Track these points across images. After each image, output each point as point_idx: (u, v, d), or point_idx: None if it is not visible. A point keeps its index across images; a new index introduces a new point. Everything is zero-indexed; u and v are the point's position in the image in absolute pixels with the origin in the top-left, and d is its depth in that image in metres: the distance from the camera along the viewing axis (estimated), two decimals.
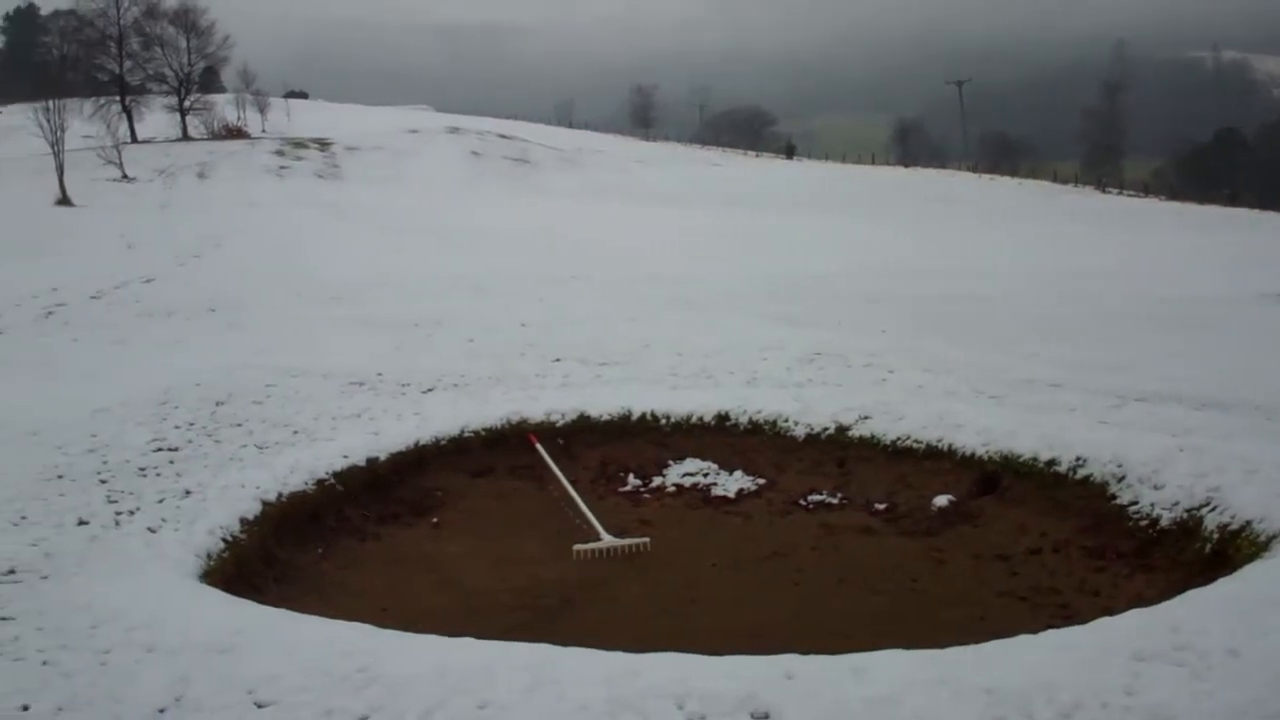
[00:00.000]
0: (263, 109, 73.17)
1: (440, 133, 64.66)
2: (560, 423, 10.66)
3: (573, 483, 9.51)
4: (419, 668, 5.29)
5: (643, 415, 10.80)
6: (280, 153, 54.70)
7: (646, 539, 8.45)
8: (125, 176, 44.22)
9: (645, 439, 10.53)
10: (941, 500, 8.91)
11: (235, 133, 65.93)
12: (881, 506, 9.14)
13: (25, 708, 4.93)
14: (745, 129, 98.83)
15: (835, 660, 5.09)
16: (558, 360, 12.78)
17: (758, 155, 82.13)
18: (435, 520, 9.21)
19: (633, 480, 10.02)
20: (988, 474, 8.99)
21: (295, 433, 9.81)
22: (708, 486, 9.83)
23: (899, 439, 9.74)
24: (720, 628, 6.86)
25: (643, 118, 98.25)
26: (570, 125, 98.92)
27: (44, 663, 5.36)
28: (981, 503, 8.81)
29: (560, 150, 63.71)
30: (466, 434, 10.44)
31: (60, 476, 8.24)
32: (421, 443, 10.10)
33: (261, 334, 14.02)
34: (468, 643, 5.66)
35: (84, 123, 49.57)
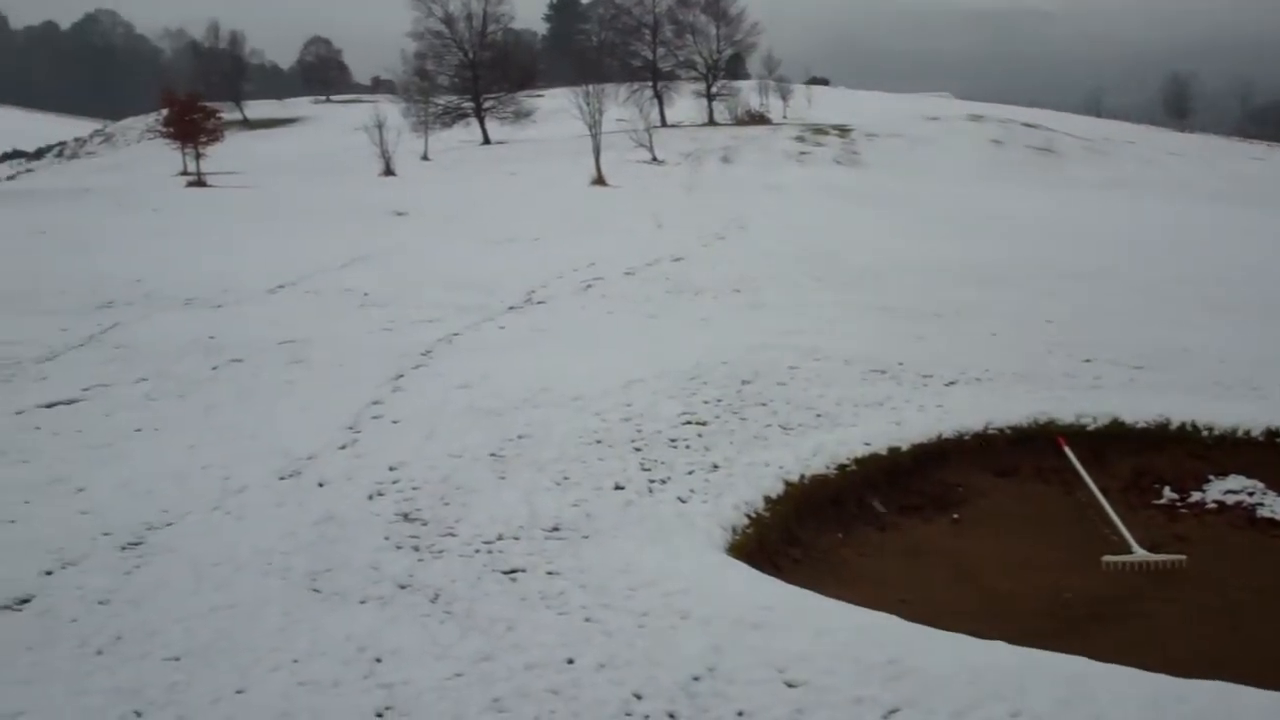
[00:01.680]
0: (785, 95, 75.52)
1: (961, 120, 63.55)
2: (1091, 427, 10.04)
3: (1103, 491, 8.96)
4: (950, 666, 5.16)
5: (1181, 425, 9.97)
6: (801, 138, 56.11)
7: (1182, 557, 7.83)
8: (654, 159, 47.19)
9: (1183, 450, 9.72)
10: None
11: (758, 118, 68.48)
12: None
13: (570, 661, 5.29)
14: None
15: None
16: (1088, 360, 12.04)
17: None
18: (955, 516, 8.98)
19: (1168, 494, 9.26)
20: None
21: (818, 416, 9.90)
22: (1253, 506, 8.91)
23: None
24: (1270, 659, 6.20)
25: (1177, 108, 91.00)
26: (1098, 114, 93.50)
27: (586, 619, 5.73)
28: None
29: (1088, 140, 60.43)
30: (990, 431, 10.08)
31: (599, 441, 8.82)
32: (944, 436, 9.86)
33: (783, 315, 14.33)
34: (999, 646, 5.49)
35: (618, 107, 53.50)
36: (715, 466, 8.46)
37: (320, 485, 7.76)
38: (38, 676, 5.12)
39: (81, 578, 6.15)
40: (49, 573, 6.20)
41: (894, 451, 9.47)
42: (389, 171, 46.86)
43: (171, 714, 4.84)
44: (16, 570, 6.19)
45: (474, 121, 70.01)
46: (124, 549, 6.55)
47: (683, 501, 7.69)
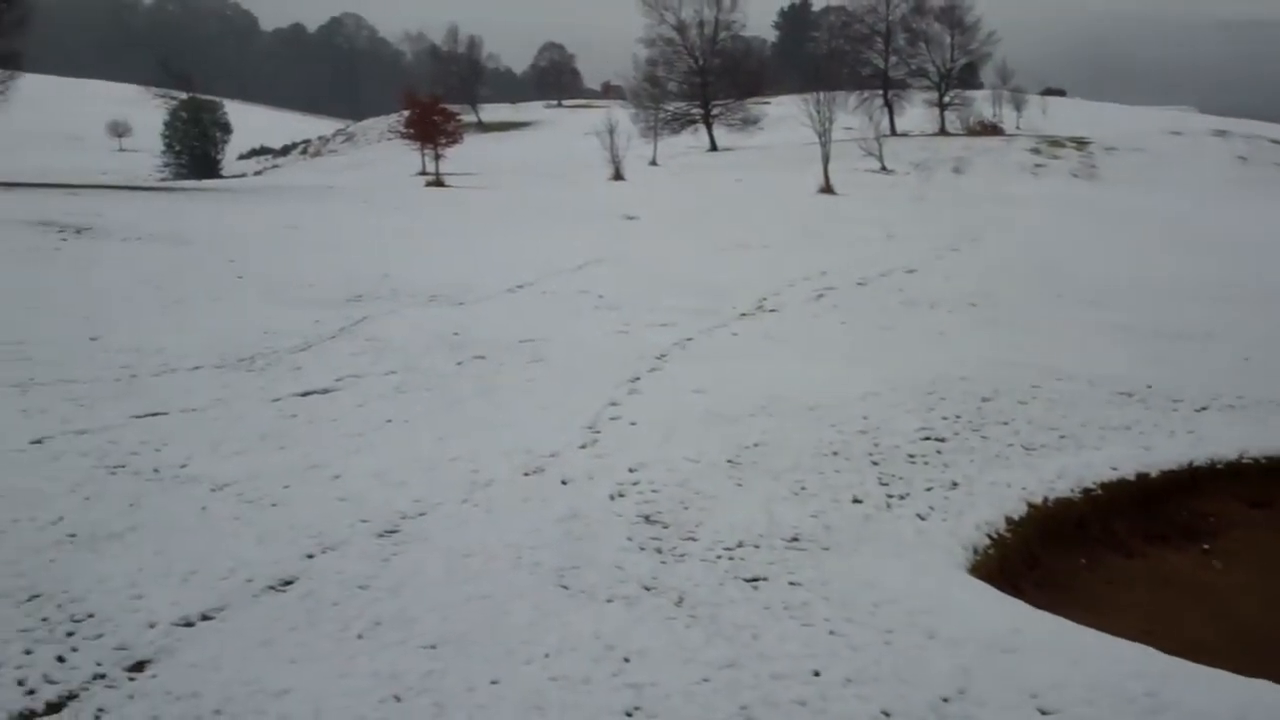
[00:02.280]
0: (1019, 106, 73.40)
1: (1204, 135, 60.39)
2: None
3: None
4: (1212, 703, 4.98)
5: None
6: (1036, 150, 54.34)
7: None
8: (884, 168, 46.52)
9: None
10: None
11: (990, 129, 66.76)
12: None
13: (817, 673, 5.28)
14: None
15: None
16: None
17: None
18: (1206, 547, 8.59)
19: None
20: None
21: (1062, 437, 9.61)
22: None
23: None
24: None
25: None
26: None
27: (831, 632, 5.71)
28: None
29: None
30: (1245, 460, 9.61)
31: (835, 453, 8.77)
32: (1195, 464, 9.45)
33: (1021, 332, 13.95)
34: (1264, 685, 5.28)
35: (847, 115, 52.99)
36: (955, 484, 8.30)
37: (563, 483, 7.95)
38: (303, 656, 5.41)
39: (341, 563, 6.46)
40: (310, 556, 6.54)
41: (1142, 478, 9.13)
42: (619, 176, 47.57)
43: (428, 700, 5.05)
44: (280, 553, 6.55)
45: (702, 128, 70.52)
46: (380, 536, 6.86)
47: (922, 519, 7.58)
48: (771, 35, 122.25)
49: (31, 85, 40.22)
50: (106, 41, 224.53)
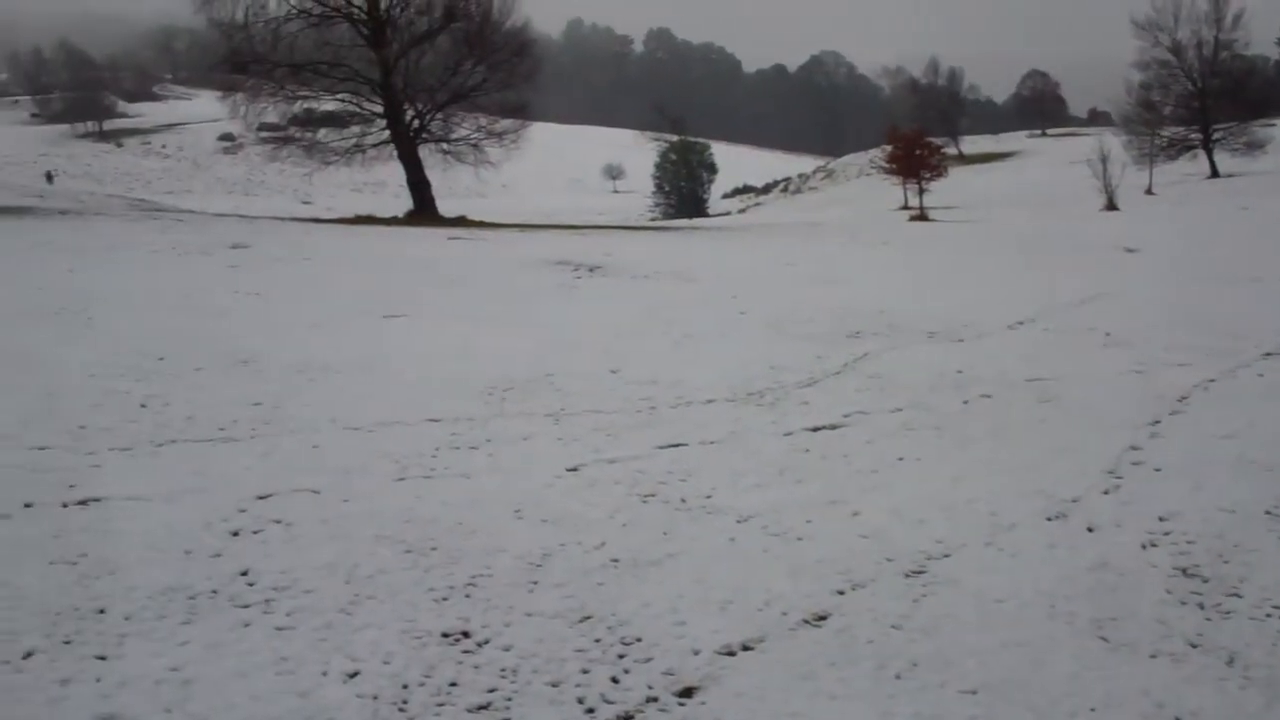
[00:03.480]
0: None
1: None
2: None
3: None
4: None
5: None
6: None
7: None
8: None
9: None
10: None
11: None
12: None
13: None
14: None
15: None
16: None
17: None
18: None
19: None
20: None
21: None
22: None
23: None
24: None
25: None
26: None
27: None
28: None
29: None
30: None
31: None
32: None
33: None
34: None
35: None
36: None
37: (1089, 530, 7.62)
38: (843, 693, 5.48)
39: (871, 600, 6.52)
40: (840, 592, 6.64)
41: None
42: (1112, 206, 45.39)
43: None
44: (811, 587, 6.70)
45: (1201, 153, 66.22)
46: (907, 576, 6.86)
47: None
48: (1276, 53, 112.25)
49: (538, 132, 43.97)
50: (602, 90, 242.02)
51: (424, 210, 41.04)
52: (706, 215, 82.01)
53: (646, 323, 15.66)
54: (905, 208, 54.93)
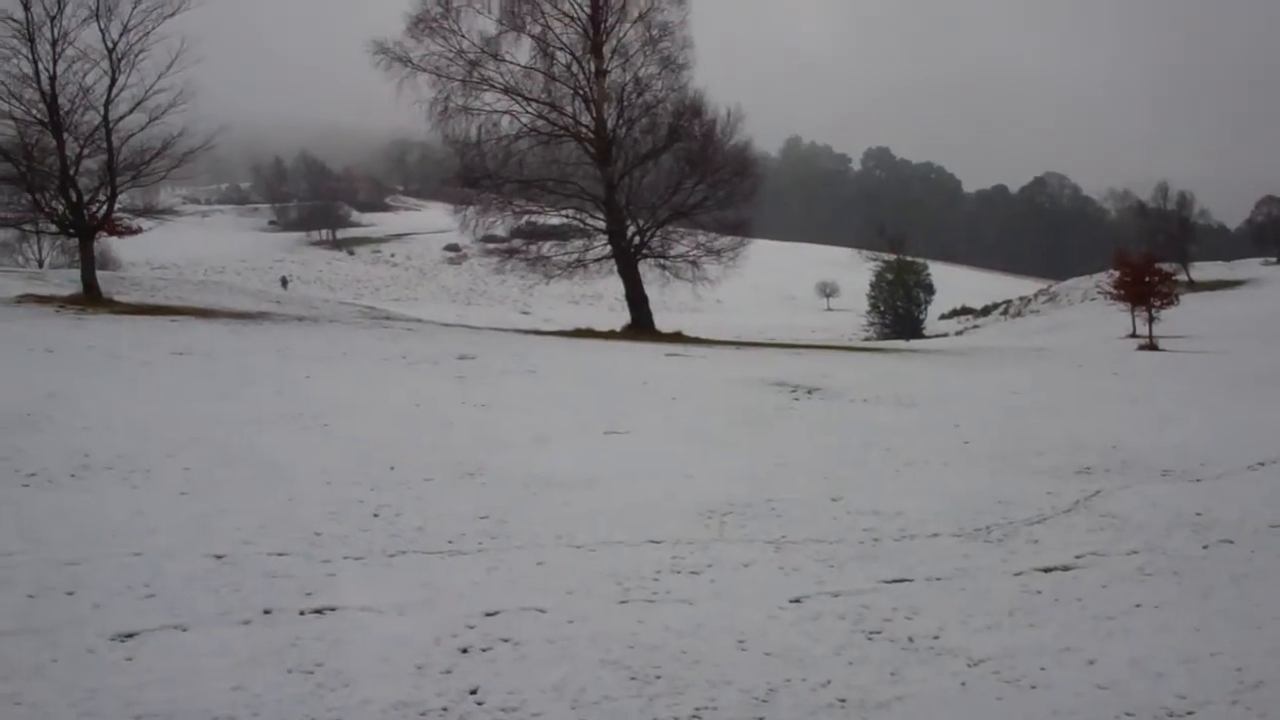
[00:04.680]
0: None
1: None
2: None
3: None
4: None
5: None
6: None
7: None
8: None
9: None
10: None
11: None
12: None
13: None
14: None
15: None
16: None
17: None
18: None
19: None
20: None
21: None
22: None
23: None
24: None
25: None
26: None
27: None
28: None
29: None
30: None
31: None
32: None
33: None
34: None
35: None
36: None
37: None
38: None
39: None
40: None
41: None
42: None
43: None
44: None
45: None
46: None
47: None
48: None
49: (753, 248, 44.55)
50: (819, 206, 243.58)
51: (641, 325, 41.89)
52: (923, 336, 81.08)
53: (866, 449, 15.64)
54: (1133, 335, 53.20)
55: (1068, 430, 17.34)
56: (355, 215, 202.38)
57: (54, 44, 31.26)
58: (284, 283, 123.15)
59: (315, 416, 15.43)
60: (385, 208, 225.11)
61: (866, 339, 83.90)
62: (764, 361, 27.83)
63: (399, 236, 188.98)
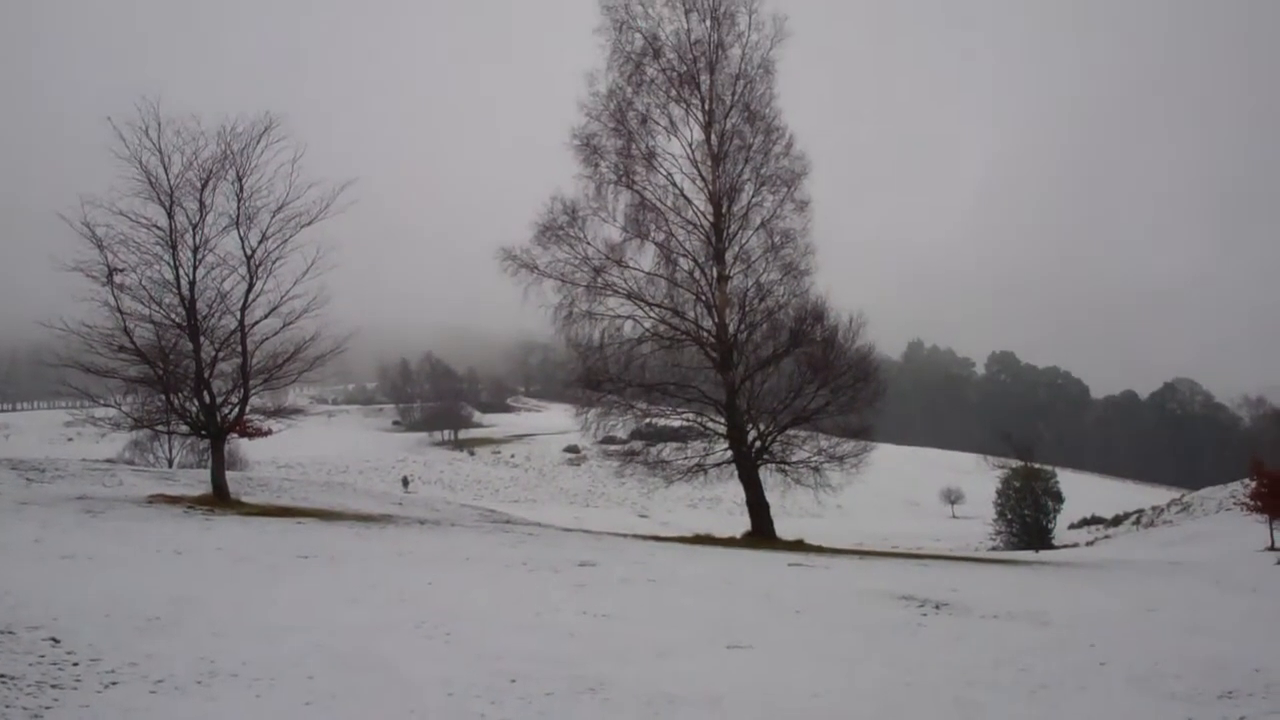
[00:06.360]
0: None
1: None
2: None
3: None
4: None
5: None
6: None
7: None
8: None
9: None
10: None
11: None
12: None
13: None
14: None
15: None
16: None
17: None
18: None
19: None
20: None
21: None
22: None
23: None
24: None
25: None
26: None
27: None
28: None
29: None
30: None
31: None
32: None
33: None
34: None
35: None
36: None
37: None
38: None
39: None
40: None
41: None
42: None
43: None
44: None
45: None
46: None
47: None
48: None
49: (875, 453, 44.14)
50: (942, 411, 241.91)
51: (762, 532, 41.52)
52: (1052, 546, 78.84)
53: (997, 669, 15.16)
54: (1271, 548, 51.09)
55: (1208, 651, 16.63)
56: (478, 416, 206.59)
57: (195, 251, 32.99)
58: (405, 483, 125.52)
59: (437, 625, 15.55)
60: (507, 408, 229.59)
61: (994, 548, 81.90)
62: (889, 573, 27.36)
63: (520, 437, 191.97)
